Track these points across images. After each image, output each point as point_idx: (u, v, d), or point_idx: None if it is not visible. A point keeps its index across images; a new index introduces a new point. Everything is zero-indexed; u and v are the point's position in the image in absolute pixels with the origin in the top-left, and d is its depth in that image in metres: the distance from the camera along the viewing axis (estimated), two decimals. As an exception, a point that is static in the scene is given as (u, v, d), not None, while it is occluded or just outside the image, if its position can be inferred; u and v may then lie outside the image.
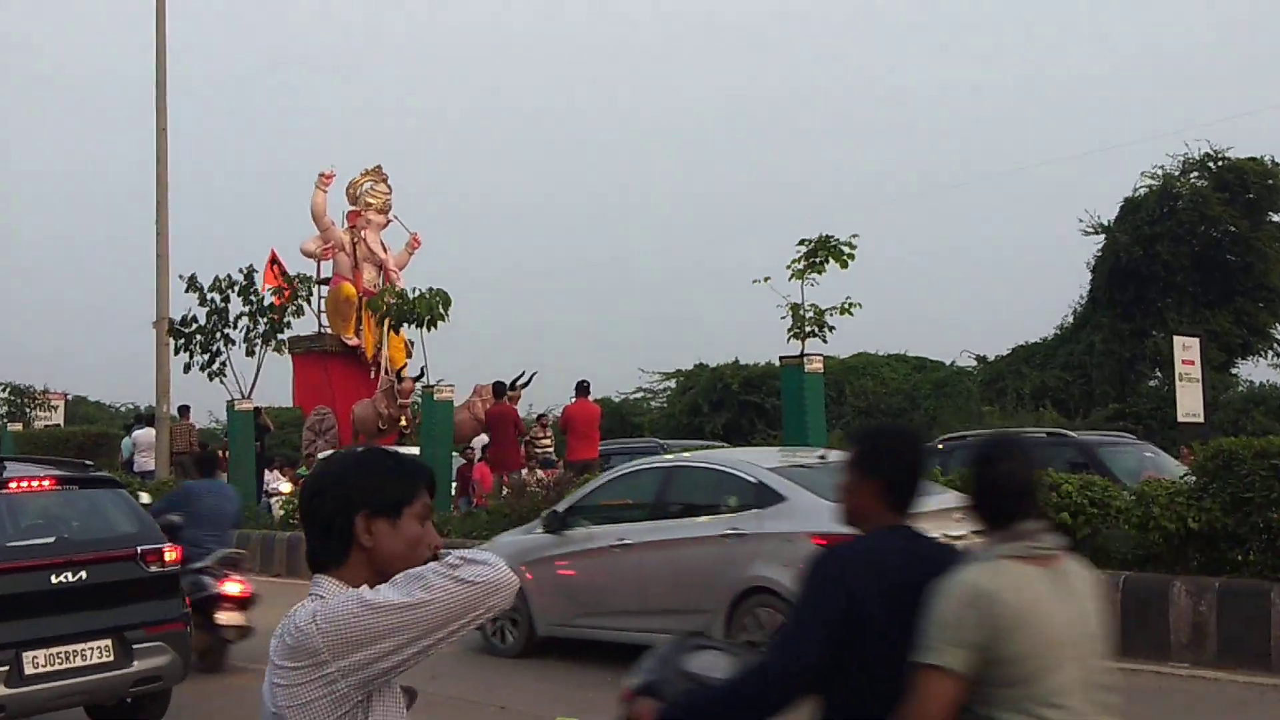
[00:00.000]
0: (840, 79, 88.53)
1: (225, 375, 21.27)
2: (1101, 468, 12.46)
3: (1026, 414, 27.88)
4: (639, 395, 40.55)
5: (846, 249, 13.85)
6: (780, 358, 14.30)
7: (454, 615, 2.25)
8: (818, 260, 13.83)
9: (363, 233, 26.07)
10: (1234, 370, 32.16)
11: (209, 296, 21.35)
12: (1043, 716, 2.77)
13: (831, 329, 13.89)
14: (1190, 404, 17.14)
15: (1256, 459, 9.49)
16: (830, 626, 2.89)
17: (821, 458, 9.70)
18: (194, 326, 21.39)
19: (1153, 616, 9.47)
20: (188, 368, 21.54)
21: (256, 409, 21.46)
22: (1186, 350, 17.43)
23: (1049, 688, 2.76)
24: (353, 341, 25.56)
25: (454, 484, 18.00)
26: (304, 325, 27.47)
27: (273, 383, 30.24)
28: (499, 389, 19.03)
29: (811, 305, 13.83)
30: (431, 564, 2.31)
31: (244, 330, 21.27)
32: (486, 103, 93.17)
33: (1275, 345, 32.07)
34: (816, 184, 78.57)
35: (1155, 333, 30.40)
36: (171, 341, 21.75)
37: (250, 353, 21.25)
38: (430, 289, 19.27)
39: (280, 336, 21.17)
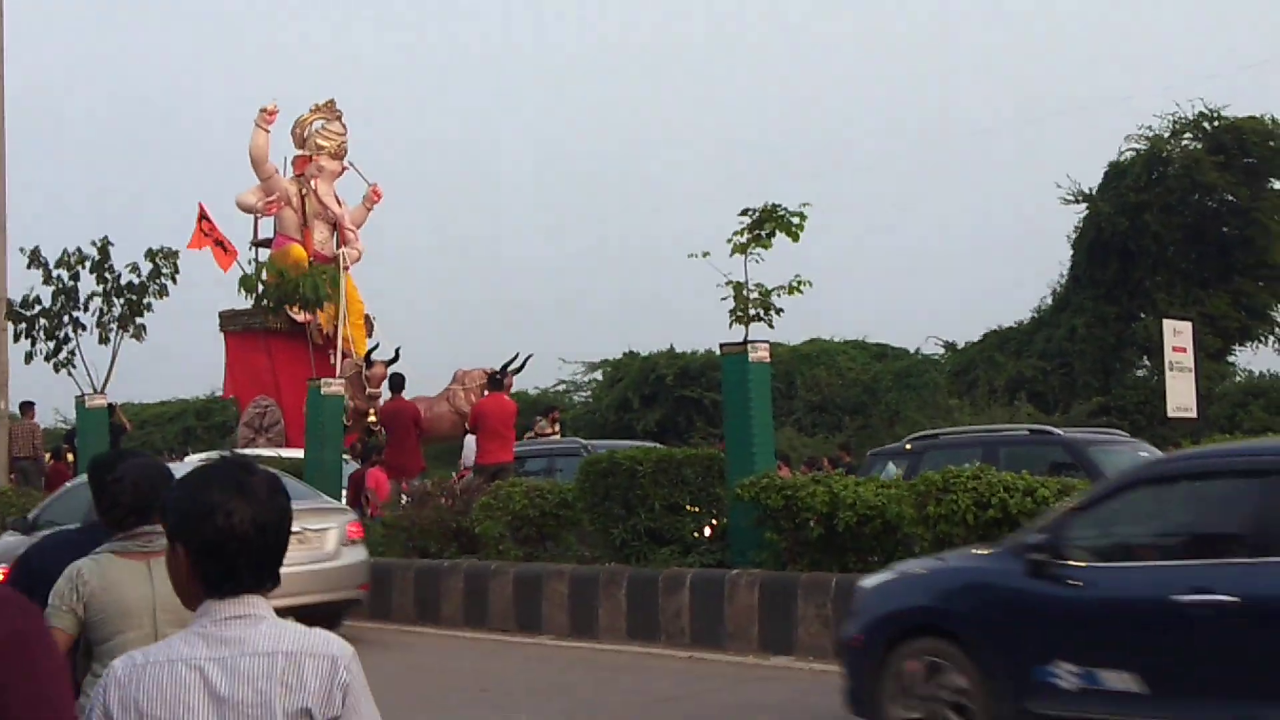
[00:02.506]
0: (782, 23, 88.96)
1: (75, 366, 20.93)
2: (1091, 469, 12.41)
3: (1000, 408, 28.09)
4: (560, 388, 40.47)
5: (796, 219, 13.71)
6: (721, 345, 14.14)
7: None
8: (763, 233, 13.68)
9: (313, 183, 25.18)
10: (1230, 358, 32.66)
11: (55, 274, 20.97)
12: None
13: (779, 311, 13.75)
14: (1182, 396, 17.28)
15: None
16: (16, 579, 4.88)
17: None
18: (37, 309, 21.03)
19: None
20: (30, 357, 21.22)
21: (111, 405, 21.14)
22: (1178, 335, 17.58)
23: (121, 644, 4.10)
24: (302, 317, 24.74)
25: (344, 492, 17.77)
26: (234, 296, 26.39)
27: (130, 375, 29.61)
28: (396, 382, 18.81)
29: (757, 284, 13.69)
30: None
31: (96, 313, 20.87)
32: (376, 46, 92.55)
33: (1277, 330, 32.51)
34: (761, 146, 78.88)
35: (1143, 316, 30.77)
36: (10, 327, 21.37)
37: (104, 339, 20.84)
38: (314, 266, 19.00)
39: (139, 320, 20.78)
